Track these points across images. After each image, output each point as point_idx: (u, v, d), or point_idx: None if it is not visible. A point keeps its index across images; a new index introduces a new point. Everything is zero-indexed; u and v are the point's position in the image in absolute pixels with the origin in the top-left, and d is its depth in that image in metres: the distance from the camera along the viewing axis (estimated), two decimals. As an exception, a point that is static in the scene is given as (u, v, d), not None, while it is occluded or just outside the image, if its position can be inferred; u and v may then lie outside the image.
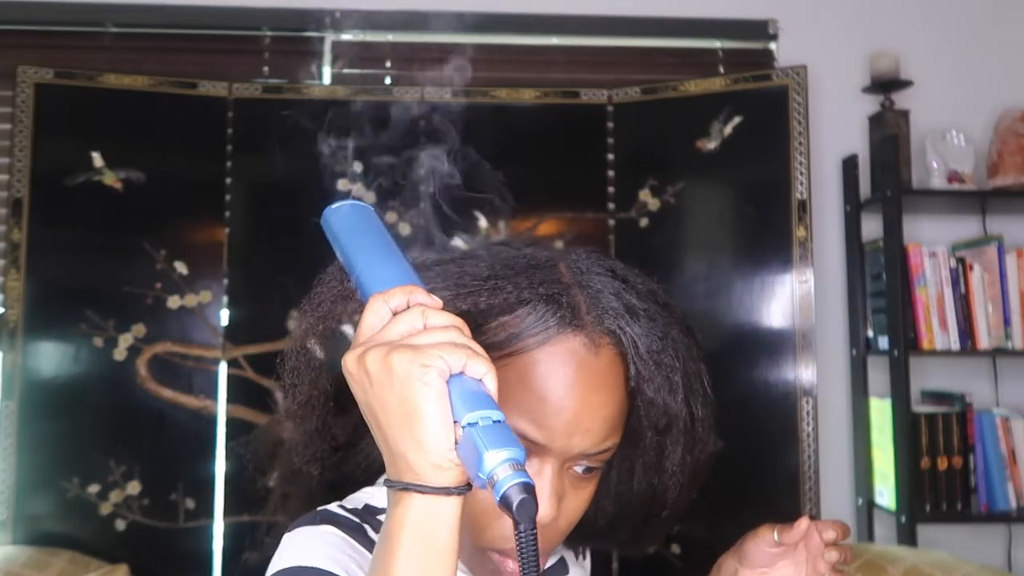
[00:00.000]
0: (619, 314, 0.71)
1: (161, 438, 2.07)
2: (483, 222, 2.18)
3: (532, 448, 0.69)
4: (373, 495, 0.77)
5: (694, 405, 0.76)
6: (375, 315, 0.58)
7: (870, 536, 2.25)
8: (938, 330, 2.17)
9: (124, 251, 2.10)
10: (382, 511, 0.74)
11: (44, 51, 2.27)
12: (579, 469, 0.72)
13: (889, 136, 2.22)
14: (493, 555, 0.71)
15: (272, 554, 0.70)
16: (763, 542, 0.81)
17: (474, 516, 0.70)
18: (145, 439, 2.07)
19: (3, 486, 2.01)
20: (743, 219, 2.16)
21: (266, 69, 2.35)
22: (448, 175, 2.15)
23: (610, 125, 2.26)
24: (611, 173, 2.25)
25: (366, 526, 0.73)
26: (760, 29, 2.42)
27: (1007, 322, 2.20)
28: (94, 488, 2.03)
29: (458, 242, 2.16)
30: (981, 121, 2.41)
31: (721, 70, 2.41)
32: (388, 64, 2.38)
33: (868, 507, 2.26)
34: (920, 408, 2.21)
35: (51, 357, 2.05)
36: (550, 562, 0.85)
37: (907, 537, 2.05)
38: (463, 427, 0.54)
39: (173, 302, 2.11)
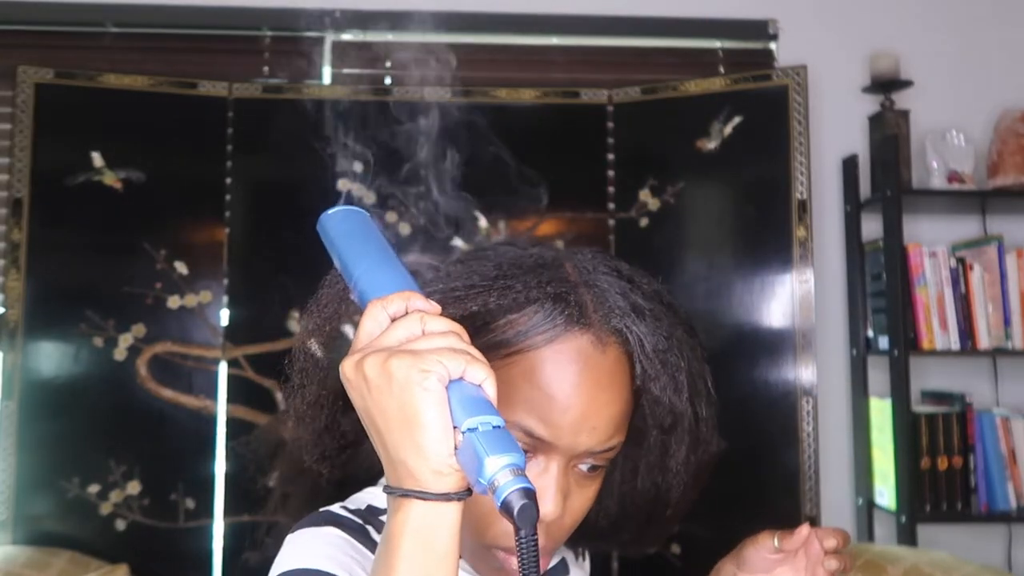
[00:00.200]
0: (625, 313, 0.72)
1: (161, 438, 2.07)
2: (483, 222, 2.18)
3: (538, 445, 0.69)
4: (375, 495, 0.77)
5: (698, 405, 0.76)
6: (373, 321, 0.58)
7: (870, 536, 2.25)
8: (938, 330, 2.17)
9: (124, 251, 2.10)
10: (385, 512, 0.74)
11: (44, 51, 2.27)
12: (584, 467, 0.72)
13: (889, 136, 2.22)
14: (498, 553, 0.71)
15: (272, 554, 0.70)
16: (763, 548, 0.82)
17: (478, 515, 0.70)
18: (145, 439, 2.07)
19: (3, 486, 2.00)
20: (743, 219, 2.16)
21: (266, 69, 2.35)
22: (448, 175, 2.15)
23: (610, 125, 2.26)
24: (611, 173, 2.25)
25: (369, 527, 0.73)
26: (760, 29, 2.42)
27: (1007, 322, 2.20)
28: (94, 488, 2.03)
29: (458, 242, 2.16)
30: (981, 121, 2.41)
31: (721, 70, 2.41)
32: (388, 64, 2.38)
33: (868, 507, 2.26)
34: (920, 408, 2.21)
35: (51, 357, 2.05)
36: (552, 562, 0.85)
37: (907, 537, 2.05)
38: (463, 432, 0.54)
39: (173, 302, 2.11)
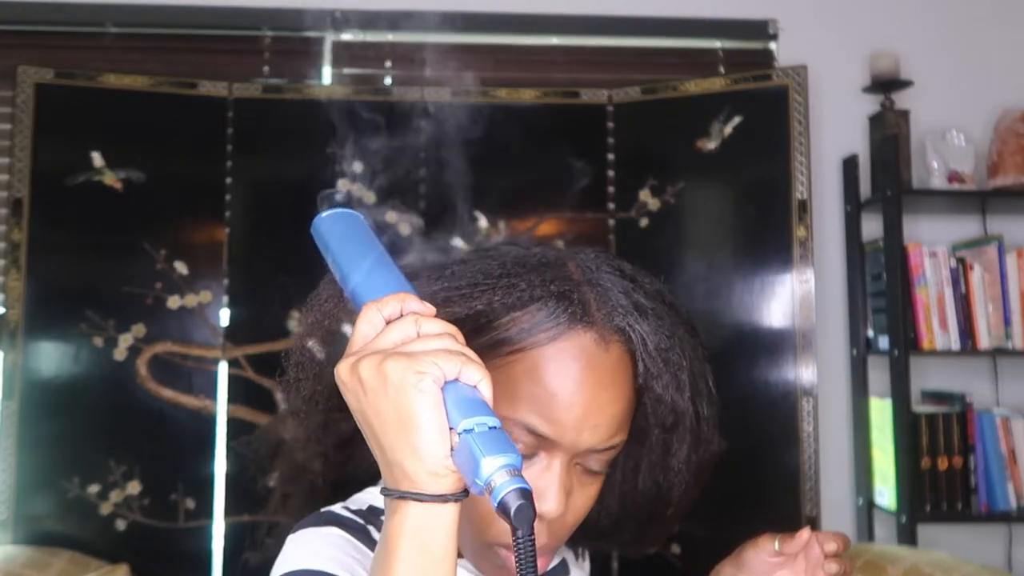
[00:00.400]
0: (628, 312, 0.72)
1: (161, 438, 2.07)
2: (483, 222, 2.18)
3: (541, 443, 0.69)
4: (376, 495, 0.77)
5: (699, 404, 0.77)
6: (368, 324, 0.58)
7: (870, 536, 2.26)
8: (938, 330, 2.17)
9: (124, 251, 2.10)
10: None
11: (44, 51, 2.27)
12: (586, 465, 0.72)
13: (889, 136, 2.22)
14: (500, 551, 0.71)
15: (273, 555, 0.71)
16: (763, 551, 0.82)
17: (479, 513, 0.70)
18: (145, 439, 2.07)
19: (3, 486, 2.00)
20: (743, 219, 2.16)
21: (266, 69, 2.35)
22: (448, 175, 2.15)
23: (610, 125, 2.26)
24: (611, 173, 2.25)
25: (370, 527, 0.73)
26: (760, 29, 2.42)
27: (1007, 322, 2.20)
28: (94, 488, 2.03)
29: (458, 242, 2.16)
30: (981, 121, 2.41)
31: (721, 70, 2.41)
32: (388, 64, 2.38)
33: (868, 507, 2.26)
34: (920, 408, 2.21)
35: (51, 357, 2.05)
36: (553, 563, 0.85)
37: (907, 537, 2.05)
38: (459, 434, 0.54)
39: (173, 302, 2.11)
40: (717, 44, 2.44)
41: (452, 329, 0.58)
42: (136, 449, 2.06)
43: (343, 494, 0.80)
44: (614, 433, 0.71)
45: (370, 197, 2.16)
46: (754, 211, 2.14)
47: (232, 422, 2.09)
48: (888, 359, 2.16)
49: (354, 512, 0.75)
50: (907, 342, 2.11)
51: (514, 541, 0.52)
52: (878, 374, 2.27)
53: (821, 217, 2.34)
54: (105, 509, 2.03)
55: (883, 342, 2.21)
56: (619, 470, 0.82)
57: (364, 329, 0.58)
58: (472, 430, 0.54)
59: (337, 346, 0.73)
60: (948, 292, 2.18)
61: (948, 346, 2.18)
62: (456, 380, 0.55)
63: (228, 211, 2.17)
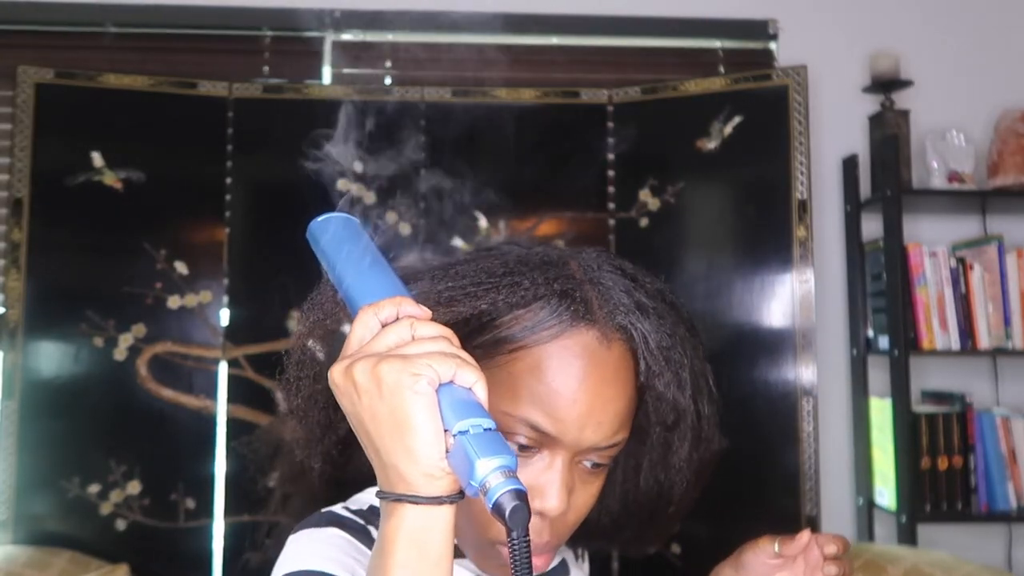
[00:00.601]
0: (630, 310, 0.72)
1: (161, 438, 2.07)
2: (483, 222, 2.18)
3: (543, 440, 0.69)
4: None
5: (700, 402, 0.77)
6: (364, 327, 0.58)
7: (870, 536, 2.26)
8: (938, 330, 2.17)
9: (124, 251, 2.10)
10: (386, 512, 0.74)
11: (44, 51, 2.27)
12: (588, 464, 0.72)
13: (889, 136, 2.22)
14: (502, 549, 0.71)
15: (273, 555, 0.71)
16: (763, 553, 0.82)
17: (480, 512, 0.70)
18: (145, 439, 2.07)
19: (3, 486, 2.00)
20: (743, 219, 2.16)
21: (266, 69, 2.35)
22: (448, 175, 2.15)
23: (610, 125, 2.26)
24: (611, 173, 2.25)
25: (370, 527, 0.73)
26: (760, 29, 2.42)
27: (1007, 322, 2.20)
28: (94, 488, 2.03)
29: (458, 242, 2.16)
30: (981, 121, 2.41)
31: (721, 70, 2.41)
32: (388, 64, 2.38)
33: (868, 507, 2.26)
34: (920, 408, 2.21)
35: (51, 357, 2.05)
36: (553, 563, 0.85)
37: (907, 537, 2.05)
38: (454, 435, 0.54)
39: (173, 302, 2.11)
40: (717, 44, 2.44)
41: (447, 332, 0.58)
42: (136, 449, 2.06)
43: (343, 494, 0.80)
44: (616, 431, 0.71)
45: (370, 197, 2.16)
46: (754, 211, 2.15)
47: (232, 422, 2.09)
48: (888, 359, 2.16)
49: (354, 512, 0.75)
50: (907, 342, 2.11)
51: (509, 542, 0.52)
52: (878, 374, 2.27)
53: (821, 217, 2.34)
54: (105, 509, 2.03)
55: (883, 342, 2.21)
56: (620, 469, 0.82)
57: (360, 332, 0.58)
58: (467, 432, 0.54)
59: (337, 345, 0.73)
60: (948, 292, 2.18)
61: (948, 346, 2.18)
62: (451, 382, 0.55)
63: (228, 211, 2.17)
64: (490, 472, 0.52)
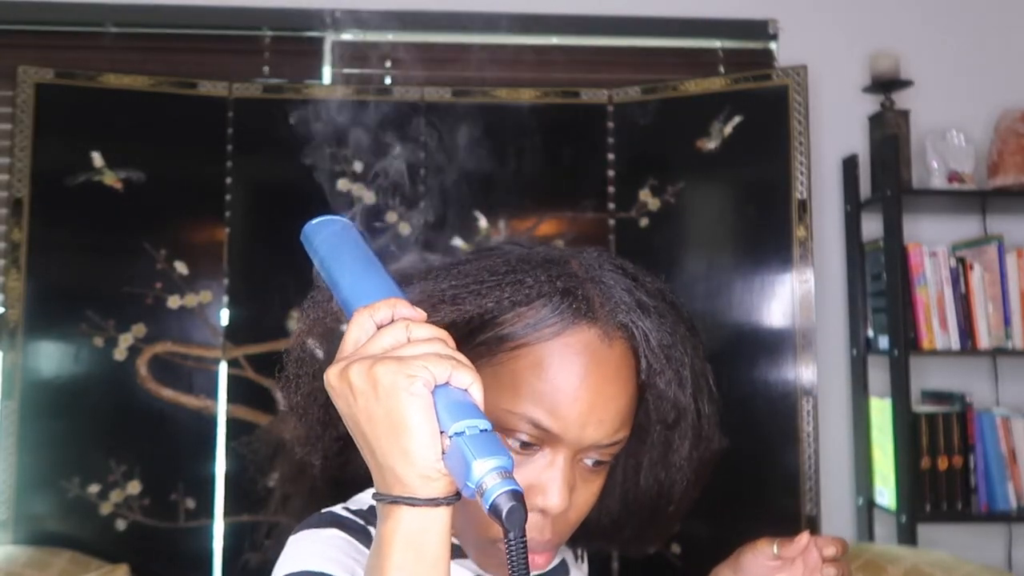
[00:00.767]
0: (631, 309, 0.73)
1: (161, 438, 2.07)
2: (483, 222, 2.18)
3: (545, 438, 0.69)
4: (376, 496, 0.77)
5: (701, 401, 0.77)
6: (360, 329, 0.58)
7: (870, 536, 2.26)
8: (938, 330, 2.17)
9: (124, 251, 2.10)
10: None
11: (44, 51, 2.27)
12: (589, 462, 0.72)
13: (889, 136, 2.22)
14: (503, 547, 0.71)
15: (273, 555, 0.71)
16: (761, 555, 0.82)
17: (478, 512, 0.70)
18: (145, 439, 2.07)
19: (3, 486, 2.00)
20: (743, 219, 2.16)
21: (266, 69, 2.35)
22: (448, 174, 2.15)
23: (610, 125, 2.26)
24: (611, 173, 2.25)
25: (370, 528, 0.73)
26: (760, 29, 2.42)
27: (1007, 322, 2.20)
28: (94, 488, 2.03)
29: (458, 242, 2.16)
30: (981, 121, 2.41)
31: (721, 70, 2.41)
32: (388, 64, 2.38)
33: (868, 507, 2.26)
34: (920, 408, 2.21)
35: (51, 357, 2.05)
36: (553, 563, 0.85)
37: (907, 537, 2.05)
38: (450, 437, 0.54)
39: (173, 302, 2.11)
40: (717, 44, 2.44)
41: (443, 334, 0.58)
42: (136, 449, 2.06)
43: (343, 494, 0.80)
44: (618, 429, 0.71)
45: (370, 197, 2.16)
46: (754, 211, 2.15)
47: (232, 422, 2.09)
48: (888, 359, 2.16)
49: (354, 513, 0.75)
50: (907, 342, 2.11)
51: (506, 543, 0.52)
52: (878, 374, 2.27)
53: (821, 217, 2.34)
54: (105, 509, 2.03)
55: (883, 342, 2.21)
56: (621, 468, 0.82)
57: (356, 334, 0.58)
58: (463, 433, 0.54)
59: (337, 343, 0.74)
60: (948, 292, 2.18)
61: (948, 346, 2.18)
62: (447, 384, 0.55)
63: (228, 211, 2.17)
64: (486, 473, 0.52)
